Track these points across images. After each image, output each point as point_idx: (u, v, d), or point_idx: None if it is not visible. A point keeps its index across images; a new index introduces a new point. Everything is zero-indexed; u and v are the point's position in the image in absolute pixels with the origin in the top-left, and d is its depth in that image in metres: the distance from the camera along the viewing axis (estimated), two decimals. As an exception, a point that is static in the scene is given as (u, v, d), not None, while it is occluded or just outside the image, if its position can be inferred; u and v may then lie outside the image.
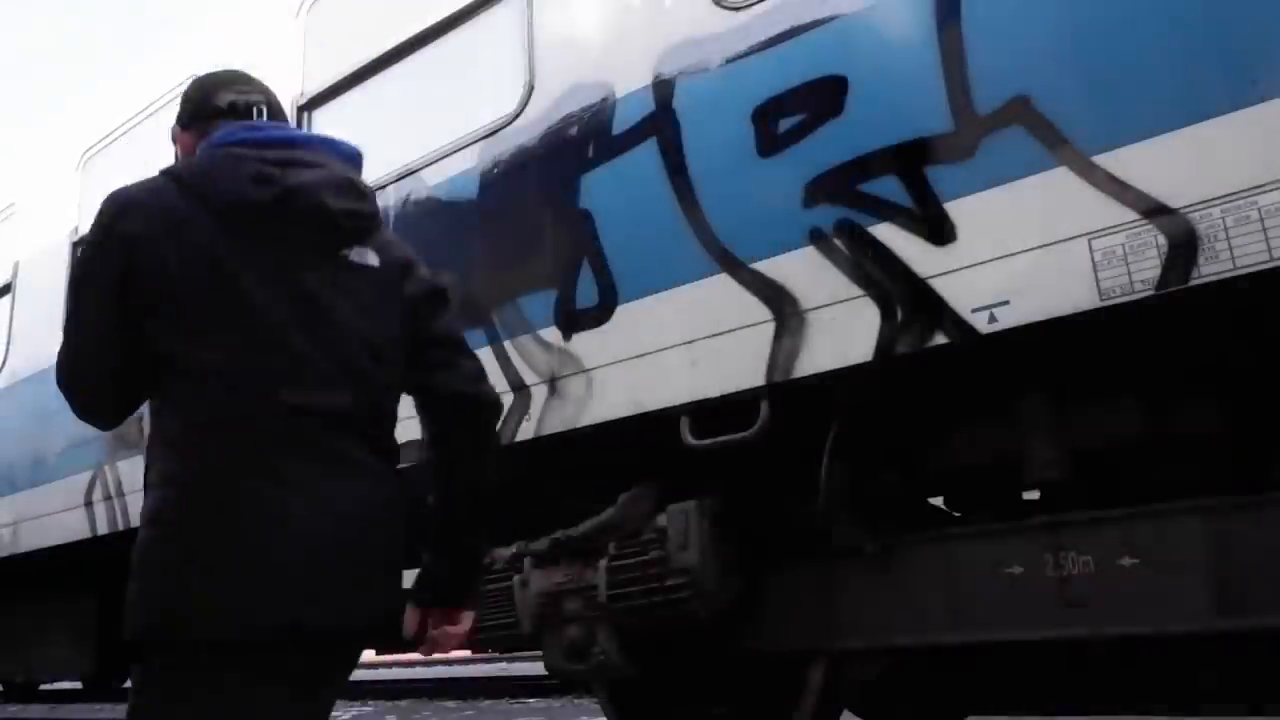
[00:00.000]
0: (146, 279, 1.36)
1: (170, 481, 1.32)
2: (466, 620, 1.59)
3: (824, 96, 2.37)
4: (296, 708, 1.37)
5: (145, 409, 1.47)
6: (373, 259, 1.51)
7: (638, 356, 2.63)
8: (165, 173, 1.52)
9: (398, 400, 1.59)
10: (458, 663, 14.83)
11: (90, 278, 1.42)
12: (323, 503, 1.34)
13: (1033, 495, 2.54)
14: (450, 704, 7.63)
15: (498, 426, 1.71)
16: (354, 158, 1.57)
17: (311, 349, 1.40)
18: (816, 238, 2.34)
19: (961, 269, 2.11)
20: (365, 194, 1.53)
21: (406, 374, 1.58)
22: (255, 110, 1.60)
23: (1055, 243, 1.99)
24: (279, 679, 1.31)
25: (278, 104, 1.67)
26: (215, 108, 1.62)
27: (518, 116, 3.04)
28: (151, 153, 4.67)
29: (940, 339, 2.13)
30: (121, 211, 1.44)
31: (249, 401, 1.34)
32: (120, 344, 1.38)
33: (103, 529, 4.39)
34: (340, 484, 1.39)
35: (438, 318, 1.61)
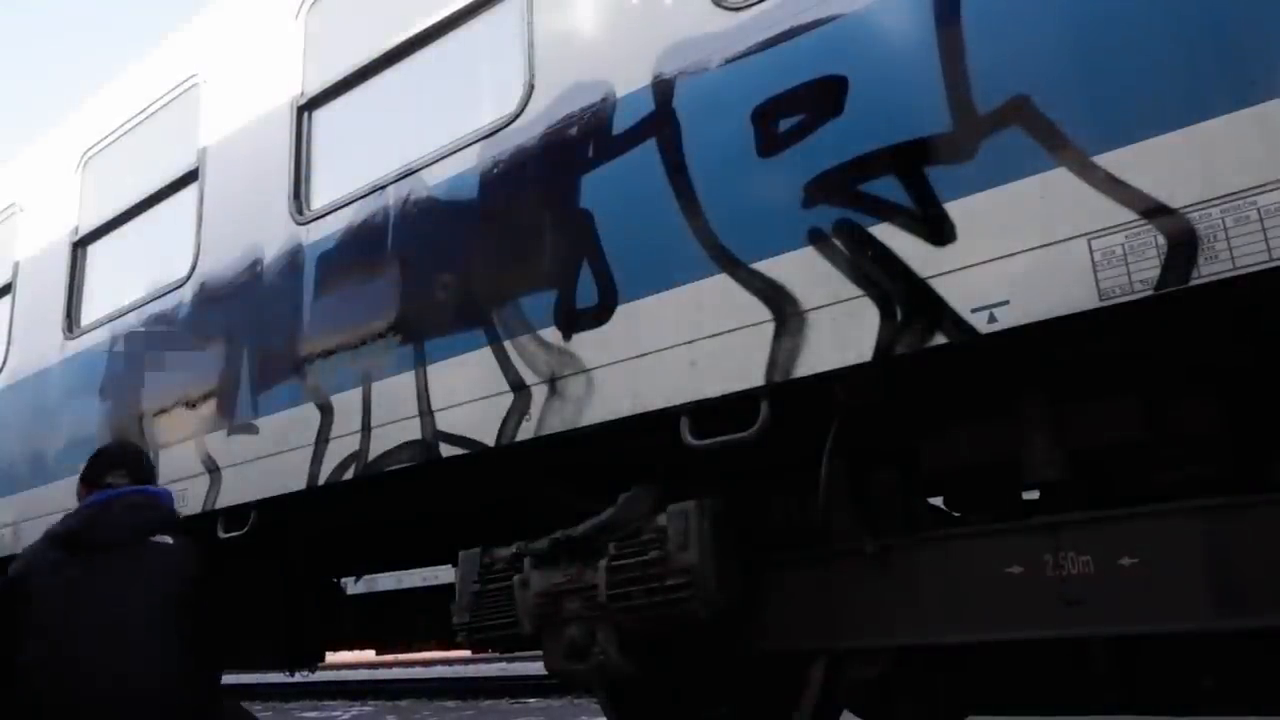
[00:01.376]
0: (21, 602, 2.54)
1: None
2: None
3: (824, 96, 2.38)
4: None
5: None
6: (168, 540, 2.70)
7: (638, 356, 2.63)
8: (44, 534, 2.74)
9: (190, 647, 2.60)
10: (458, 663, 14.83)
11: None
12: None
13: (1033, 495, 2.54)
14: (450, 704, 7.63)
15: None
16: (160, 494, 2.93)
17: (94, 645, 2.47)
18: (816, 238, 2.34)
19: (961, 269, 2.11)
20: (158, 507, 2.82)
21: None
22: (114, 484, 2.83)
23: (1055, 243, 1.99)
24: None
25: (142, 471, 2.96)
26: (97, 480, 2.87)
27: (518, 116, 3.04)
28: (151, 152, 4.68)
29: (940, 339, 2.13)
30: (14, 566, 2.68)
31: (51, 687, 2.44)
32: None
33: (103, 529, 4.39)
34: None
35: (205, 589, 2.69)
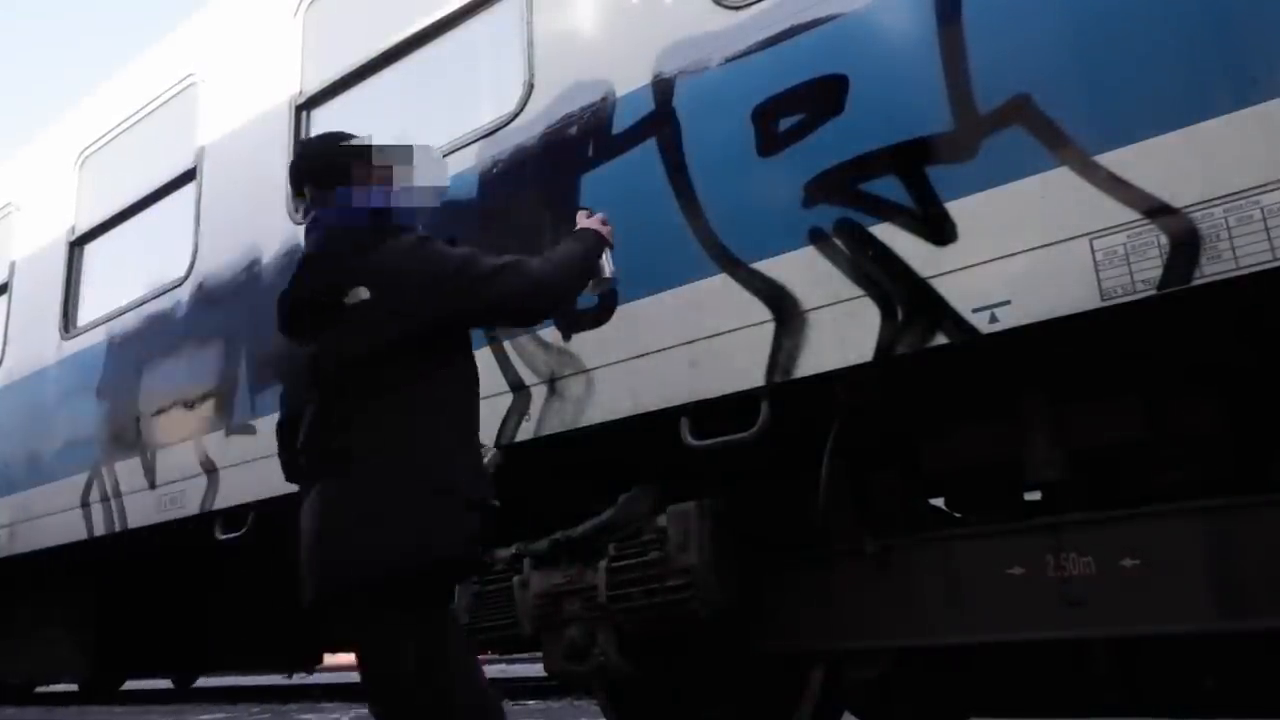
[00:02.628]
0: None
1: None
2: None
3: (824, 96, 2.37)
4: None
5: None
6: (364, 294, 1.84)
7: (637, 356, 2.63)
8: None
9: (364, 402, 1.89)
10: (456, 663, 14.80)
11: None
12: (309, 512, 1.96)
13: (1033, 496, 2.54)
14: (449, 705, 7.60)
15: (530, 290, 2.03)
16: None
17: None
18: (817, 237, 2.34)
19: (962, 269, 2.11)
20: (337, 261, 1.90)
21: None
22: None
23: (1056, 242, 1.99)
24: None
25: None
26: None
27: (517, 116, 3.03)
28: (148, 151, 4.66)
29: (941, 339, 2.13)
30: None
31: None
32: None
33: (99, 530, 4.38)
34: (314, 497, 1.95)
35: (445, 287, 1.89)
